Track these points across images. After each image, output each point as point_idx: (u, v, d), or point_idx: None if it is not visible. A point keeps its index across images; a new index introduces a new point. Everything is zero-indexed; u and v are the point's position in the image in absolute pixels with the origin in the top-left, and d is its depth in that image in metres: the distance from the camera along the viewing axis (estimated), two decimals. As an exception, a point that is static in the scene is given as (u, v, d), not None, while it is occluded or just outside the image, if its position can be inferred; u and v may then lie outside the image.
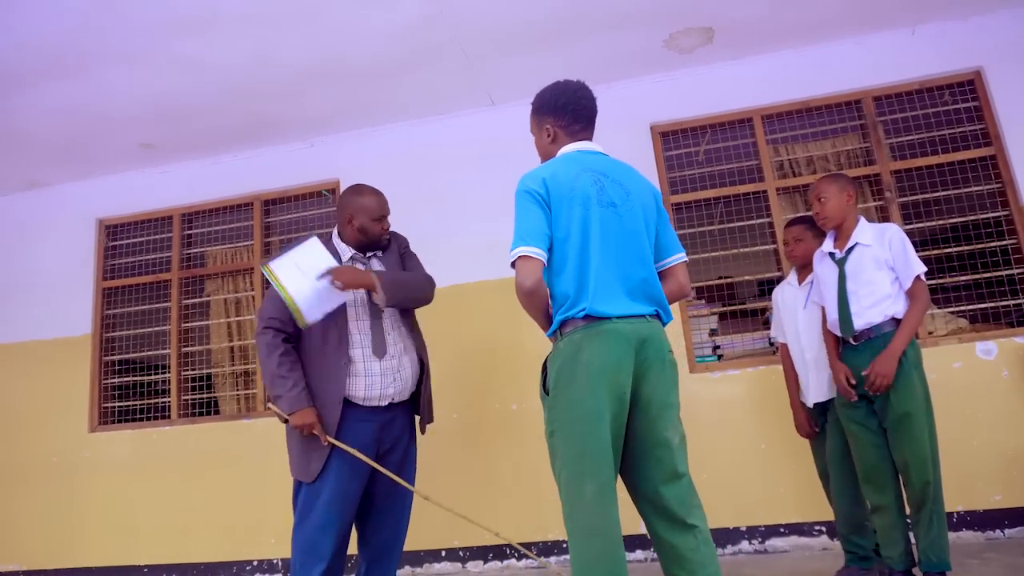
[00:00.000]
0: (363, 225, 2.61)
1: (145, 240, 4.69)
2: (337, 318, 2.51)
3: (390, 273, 2.61)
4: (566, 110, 2.07)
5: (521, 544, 3.65)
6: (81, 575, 4.19)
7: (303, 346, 2.56)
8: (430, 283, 2.70)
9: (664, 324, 1.99)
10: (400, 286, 2.57)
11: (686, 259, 2.14)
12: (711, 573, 1.80)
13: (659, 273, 2.04)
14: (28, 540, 4.29)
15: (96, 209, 4.72)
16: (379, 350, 2.55)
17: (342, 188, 4.31)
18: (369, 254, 2.69)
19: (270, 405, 2.53)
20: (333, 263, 2.50)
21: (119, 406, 4.50)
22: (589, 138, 2.13)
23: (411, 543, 3.72)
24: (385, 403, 2.55)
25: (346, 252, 2.64)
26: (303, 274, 2.45)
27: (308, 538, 2.44)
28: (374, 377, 2.53)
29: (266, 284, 4.39)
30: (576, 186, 1.93)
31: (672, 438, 1.91)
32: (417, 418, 2.74)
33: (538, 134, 2.17)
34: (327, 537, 2.44)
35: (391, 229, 2.77)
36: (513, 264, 1.90)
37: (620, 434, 1.87)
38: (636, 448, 1.90)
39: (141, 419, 4.42)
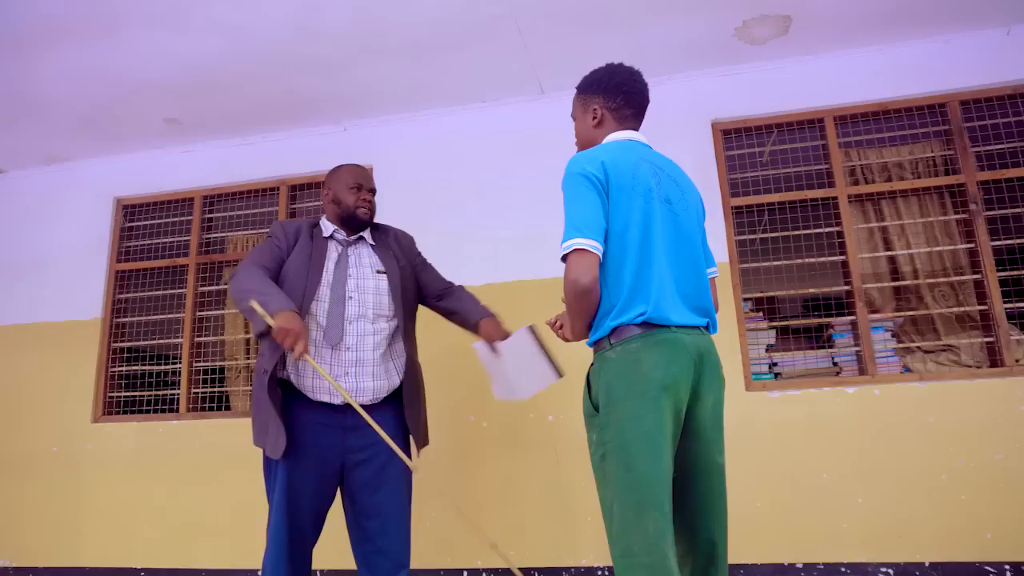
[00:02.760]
0: (337, 195, 2.49)
1: (164, 222, 4.43)
2: (308, 290, 2.31)
3: None
4: (619, 91, 1.91)
5: (546, 568, 3.34)
6: (73, 575, 3.90)
7: None
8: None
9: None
10: None
11: (717, 274, 1.97)
12: None
13: None
14: (22, 535, 4.02)
15: (114, 187, 4.48)
16: (332, 337, 2.29)
17: (375, 175, 4.06)
18: (355, 236, 2.51)
19: (252, 303, 2.11)
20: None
21: (125, 396, 4.23)
22: (637, 128, 1.93)
23: (430, 562, 3.43)
24: (338, 401, 2.28)
25: (328, 228, 2.49)
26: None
27: (278, 521, 2.24)
28: (324, 367, 2.27)
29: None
30: (638, 175, 1.72)
31: (722, 463, 1.74)
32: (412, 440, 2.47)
33: (582, 116, 1.96)
34: (300, 520, 2.26)
35: (395, 227, 2.67)
36: (564, 257, 1.66)
37: (673, 459, 1.64)
38: (689, 477, 1.69)
39: (148, 411, 4.15)
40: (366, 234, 2.56)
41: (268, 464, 2.33)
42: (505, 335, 2.38)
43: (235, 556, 3.67)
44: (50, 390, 4.19)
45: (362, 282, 2.42)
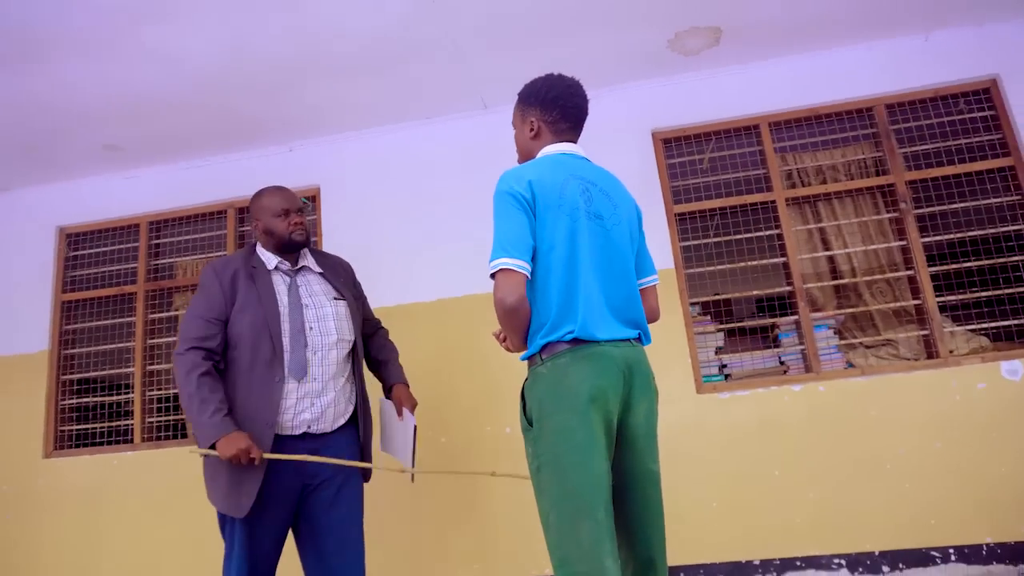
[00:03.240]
0: (268, 225, 2.43)
1: (109, 250, 4.35)
2: (272, 330, 2.28)
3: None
4: (555, 104, 1.92)
5: (515, 580, 3.37)
6: (30, 616, 3.81)
7: (231, 364, 2.30)
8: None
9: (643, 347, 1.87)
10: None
11: (657, 282, 2.00)
12: None
13: None
14: (-27, 576, 3.91)
15: (57, 216, 4.38)
16: (297, 371, 2.29)
17: (322, 195, 4.06)
18: (299, 265, 2.47)
19: (192, 450, 2.23)
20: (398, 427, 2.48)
21: (77, 429, 4.14)
22: (575, 140, 1.96)
23: (399, 575, 3.43)
24: (299, 432, 2.29)
25: (271, 260, 2.43)
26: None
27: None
28: (287, 400, 2.28)
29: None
30: (564, 193, 1.76)
31: (657, 471, 1.76)
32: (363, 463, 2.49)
33: (520, 127, 2.00)
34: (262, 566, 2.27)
35: (333, 255, 2.66)
36: (492, 275, 1.70)
37: (610, 468, 1.67)
38: (625, 486, 1.72)
39: (101, 443, 4.06)
40: (309, 262, 2.53)
41: (224, 517, 2.31)
42: (413, 405, 2.53)
43: (195, 587, 3.62)
44: (-2, 427, 4.08)
45: (320, 310, 2.40)
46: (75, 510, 3.87)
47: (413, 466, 2.46)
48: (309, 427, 2.31)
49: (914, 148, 3.60)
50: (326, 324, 2.38)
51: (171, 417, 4.07)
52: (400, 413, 2.49)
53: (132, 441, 3.99)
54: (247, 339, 2.28)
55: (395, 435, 2.50)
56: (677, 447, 3.28)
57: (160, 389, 4.11)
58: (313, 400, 2.31)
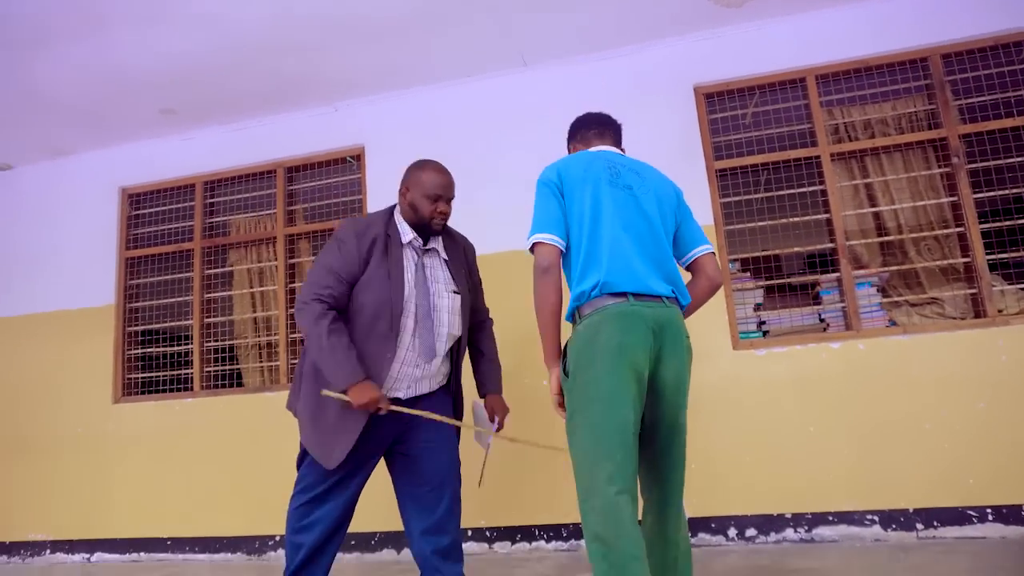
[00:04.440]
0: (414, 200, 2.38)
1: (168, 209, 4.58)
2: (394, 309, 2.29)
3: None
4: (581, 125, 2.22)
5: (550, 525, 3.50)
6: (105, 546, 4.15)
7: (348, 323, 2.32)
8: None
9: (682, 307, 1.99)
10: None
11: (713, 250, 2.10)
12: (686, 550, 1.88)
13: (688, 267, 2.09)
14: (55, 510, 4.26)
15: (119, 178, 4.62)
16: (427, 354, 2.35)
17: (367, 154, 4.15)
18: (429, 246, 2.44)
19: (325, 392, 2.24)
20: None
21: (142, 377, 4.43)
22: (608, 144, 2.16)
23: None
24: (403, 395, 2.39)
25: (407, 233, 2.40)
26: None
27: (304, 510, 2.35)
28: (398, 377, 2.35)
29: (290, 253, 4.28)
30: (589, 170, 1.96)
31: (683, 423, 1.92)
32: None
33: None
34: (327, 512, 2.34)
35: (463, 236, 2.62)
36: (531, 250, 1.93)
37: (639, 417, 1.83)
38: (651, 432, 1.88)
39: (164, 391, 4.34)
40: (438, 245, 2.48)
41: (306, 454, 2.39)
42: (505, 413, 2.55)
43: (250, 524, 3.88)
44: (70, 375, 4.39)
45: (439, 300, 2.40)
46: (141, 451, 4.17)
47: (483, 470, 2.53)
48: (409, 395, 2.40)
49: (969, 100, 3.46)
50: (441, 315, 2.39)
51: (228, 367, 4.31)
52: (491, 419, 2.51)
53: (192, 389, 4.25)
54: (369, 310, 2.29)
55: (480, 437, 2.56)
56: (712, 402, 3.32)
57: (217, 340, 4.34)
58: (411, 384, 2.39)
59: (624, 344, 1.78)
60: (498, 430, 2.50)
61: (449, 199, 2.42)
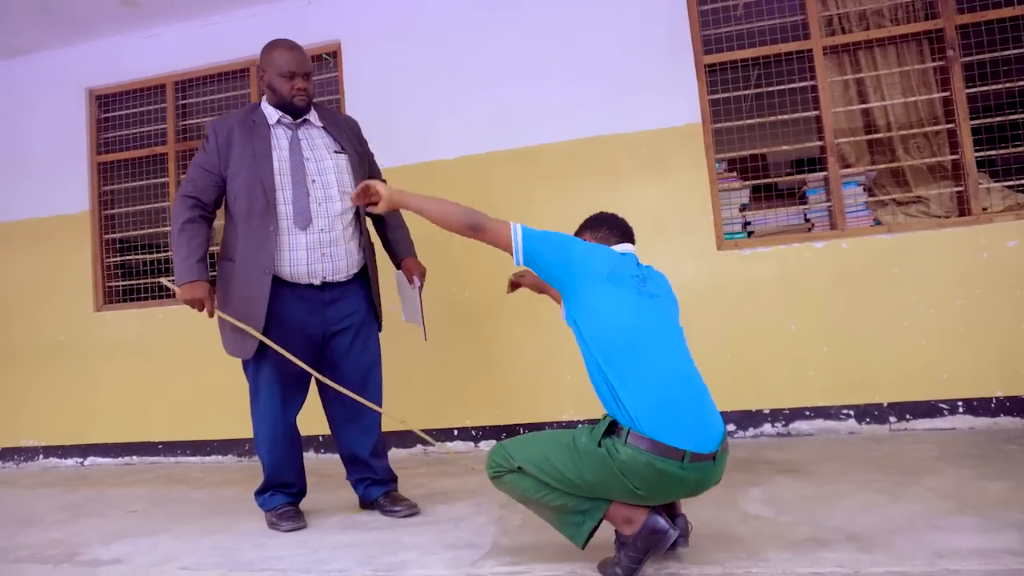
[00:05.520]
0: (271, 82, 2.42)
1: (139, 111, 4.40)
2: (264, 183, 2.35)
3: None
4: (602, 223, 2.01)
5: (531, 423, 3.58)
6: (97, 450, 4.21)
7: (231, 214, 2.43)
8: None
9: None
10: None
11: None
12: None
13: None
14: (44, 417, 4.30)
15: (85, 78, 4.41)
16: (301, 220, 2.36)
17: (343, 51, 3.98)
18: (301, 119, 2.47)
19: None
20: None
21: (123, 285, 4.38)
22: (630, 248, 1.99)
23: (423, 422, 3.66)
24: (318, 281, 2.40)
25: (273, 114, 2.45)
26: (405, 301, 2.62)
27: (263, 411, 2.46)
28: (298, 251, 2.37)
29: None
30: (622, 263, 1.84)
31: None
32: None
33: None
34: (280, 409, 2.46)
35: (338, 111, 2.64)
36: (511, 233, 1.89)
37: None
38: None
39: (146, 298, 4.30)
40: (312, 116, 2.51)
41: (246, 361, 2.48)
42: (423, 273, 2.61)
43: (239, 427, 3.92)
44: (49, 284, 4.34)
45: (321, 164, 2.44)
46: (125, 358, 4.17)
47: (424, 327, 2.58)
48: (326, 277, 2.41)
49: (968, -11, 3.33)
50: (327, 177, 2.43)
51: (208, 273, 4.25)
52: (411, 281, 2.57)
53: (173, 296, 4.20)
54: (243, 193, 2.37)
55: (410, 303, 2.60)
56: (696, 302, 3.33)
57: (197, 247, 4.26)
58: (324, 250, 2.39)
59: (648, 496, 1.66)
60: (421, 288, 2.56)
61: (305, 74, 2.43)
